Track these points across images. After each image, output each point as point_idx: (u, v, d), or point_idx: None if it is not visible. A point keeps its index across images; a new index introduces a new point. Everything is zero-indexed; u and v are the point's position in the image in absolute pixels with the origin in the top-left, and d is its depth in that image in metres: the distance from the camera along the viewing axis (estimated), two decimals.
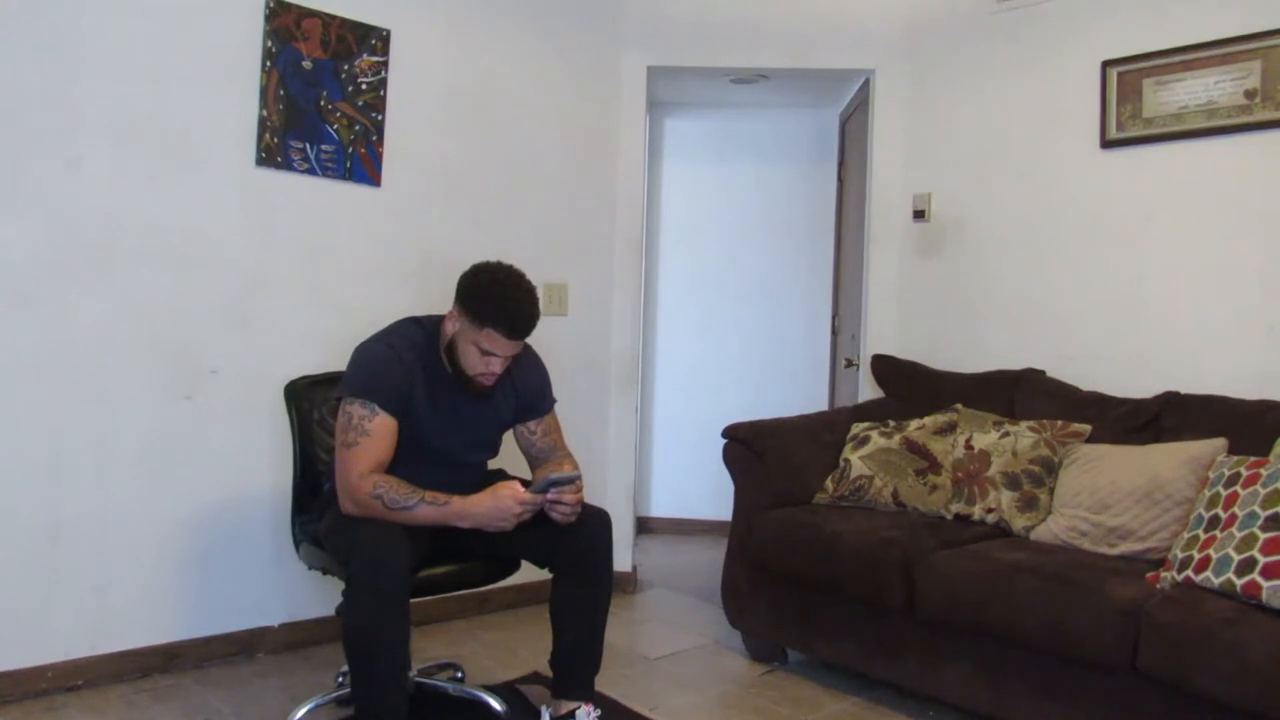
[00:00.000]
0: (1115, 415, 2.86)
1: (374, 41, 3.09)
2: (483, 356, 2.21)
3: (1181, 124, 2.98)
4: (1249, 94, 2.84)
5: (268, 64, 2.87)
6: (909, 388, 3.45)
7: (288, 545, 2.56)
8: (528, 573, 2.42)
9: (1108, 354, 3.14)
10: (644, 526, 4.89)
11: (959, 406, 3.13)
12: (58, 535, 2.58)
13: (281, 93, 2.90)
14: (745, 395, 4.79)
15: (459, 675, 2.76)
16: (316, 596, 2.96)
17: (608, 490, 3.75)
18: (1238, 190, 2.88)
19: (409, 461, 2.22)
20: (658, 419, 5.08)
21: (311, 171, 2.98)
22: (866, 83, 3.90)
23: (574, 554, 2.27)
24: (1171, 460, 2.47)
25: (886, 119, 3.79)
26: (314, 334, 2.98)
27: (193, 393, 2.79)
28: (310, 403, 2.54)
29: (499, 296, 2.18)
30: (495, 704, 2.44)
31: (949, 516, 2.85)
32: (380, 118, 3.12)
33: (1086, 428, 2.80)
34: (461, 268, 2.28)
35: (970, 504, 2.82)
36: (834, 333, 4.70)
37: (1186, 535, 2.25)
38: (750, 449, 3.04)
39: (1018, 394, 3.13)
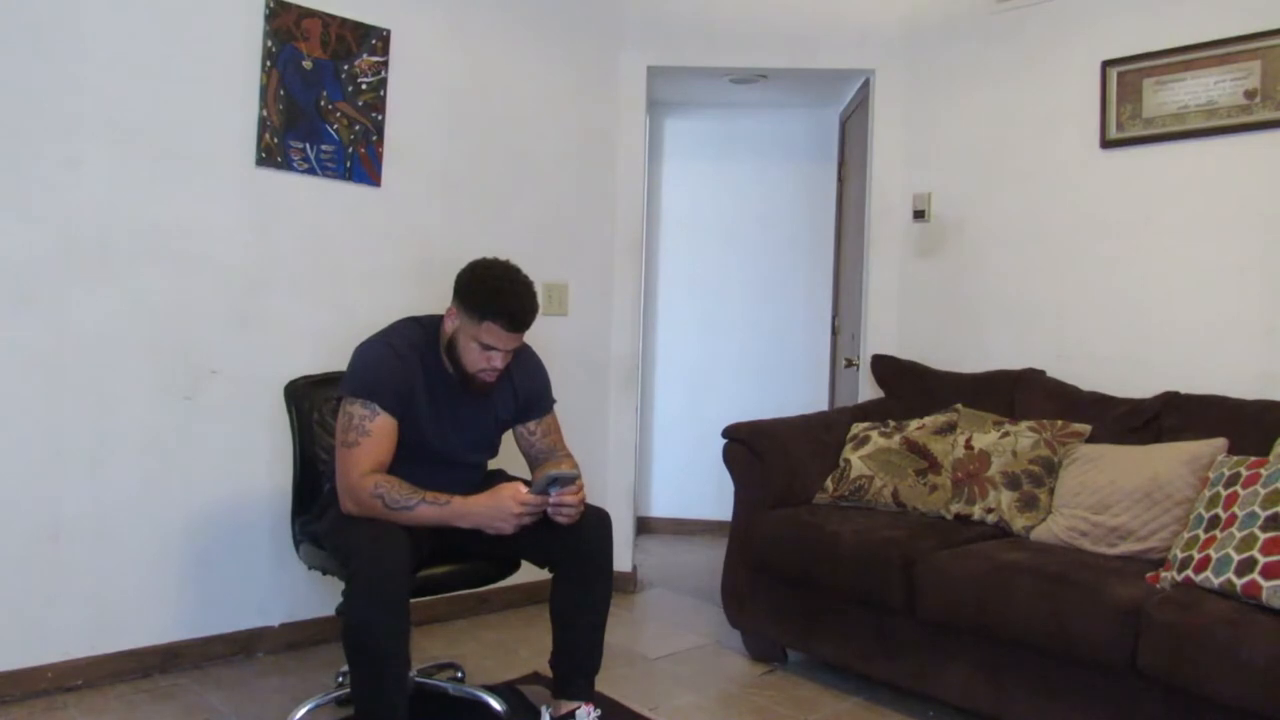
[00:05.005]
0: (1115, 415, 2.86)
1: (374, 41, 3.09)
2: (483, 352, 2.21)
3: (1181, 124, 2.98)
4: (1249, 94, 2.84)
5: (268, 64, 2.87)
6: (909, 388, 3.45)
7: (288, 545, 2.56)
8: (528, 573, 2.42)
9: (1108, 354, 3.14)
10: (644, 526, 4.89)
11: (959, 406, 3.13)
12: (58, 535, 2.58)
13: (281, 93, 2.90)
14: (745, 395, 4.79)
15: (459, 675, 2.76)
16: (316, 596, 2.96)
17: (608, 490, 3.75)
18: (1238, 190, 2.88)
19: (409, 461, 2.22)
20: (658, 419, 5.07)
21: (311, 171, 2.98)
22: (866, 83, 3.90)
23: (574, 554, 2.26)
24: (1171, 460, 2.47)
25: (886, 119, 3.79)
26: (314, 334, 2.98)
27: (193, 393, 2.79)
28: (310, 403, 2.54)
29: (496, 290, 2.18)
30: (495, 704, 2.44)
31: (949, 516, 2.85)
32: (380, 118, 3.12)
33: (1086, 428, 2.81)
34: (461, 267, 2.28)
35: (970, 504, 2.82)
36: (834, 333, 4.70)
37: (1186, 535, 2.25)
38: (750, 449, 3.04)
39: (1018, 394, 3.13)
